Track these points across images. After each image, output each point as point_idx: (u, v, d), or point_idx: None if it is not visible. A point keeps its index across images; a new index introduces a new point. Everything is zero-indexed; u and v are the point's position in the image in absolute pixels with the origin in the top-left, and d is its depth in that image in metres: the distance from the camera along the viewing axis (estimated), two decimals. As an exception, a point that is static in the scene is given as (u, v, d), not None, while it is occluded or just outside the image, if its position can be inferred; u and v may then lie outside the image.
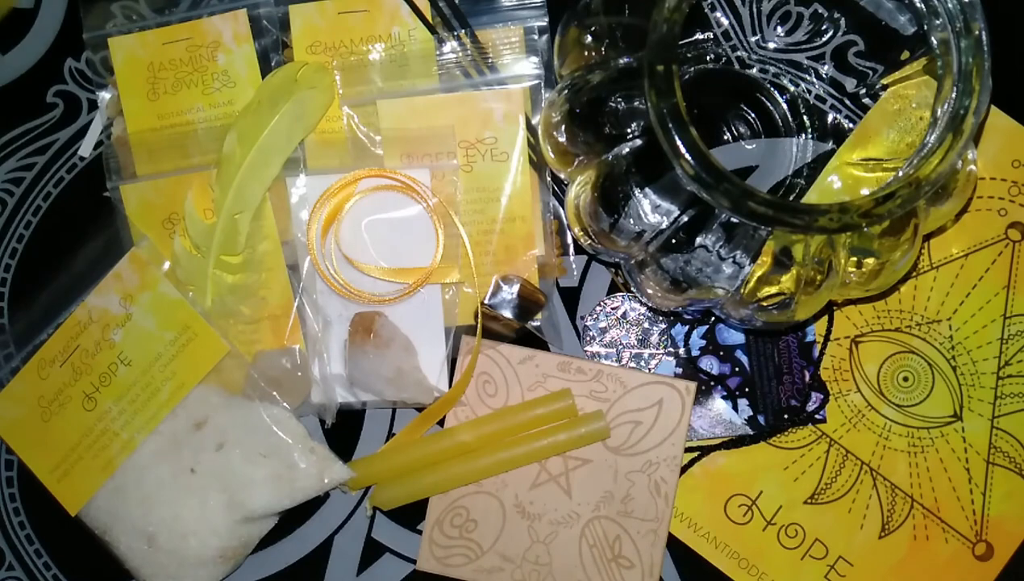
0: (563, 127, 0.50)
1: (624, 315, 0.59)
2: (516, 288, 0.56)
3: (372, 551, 0.60)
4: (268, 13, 0.59)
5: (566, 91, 0.50)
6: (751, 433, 0.58)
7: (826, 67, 0.54)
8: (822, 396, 0.58)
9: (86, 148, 0.62)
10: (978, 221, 0.58)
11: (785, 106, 0.55)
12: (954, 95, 0.43)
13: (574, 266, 0.60)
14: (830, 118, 0.54)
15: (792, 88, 0.55)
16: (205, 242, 0.57)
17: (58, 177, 0.62)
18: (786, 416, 0.58)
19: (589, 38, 0.50)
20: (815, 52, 0.54)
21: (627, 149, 0.47)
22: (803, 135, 0.55)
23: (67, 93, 0.62)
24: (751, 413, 0.58)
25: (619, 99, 0.48)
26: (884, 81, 0.52)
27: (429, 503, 0.57)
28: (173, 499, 0.56)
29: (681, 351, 0.59)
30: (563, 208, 0.58)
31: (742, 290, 0.48)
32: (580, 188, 0.50)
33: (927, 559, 0.58)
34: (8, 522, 0.61)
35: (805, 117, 0.55)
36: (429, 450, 0.57)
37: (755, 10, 0.54)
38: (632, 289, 0.54)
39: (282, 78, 0.57)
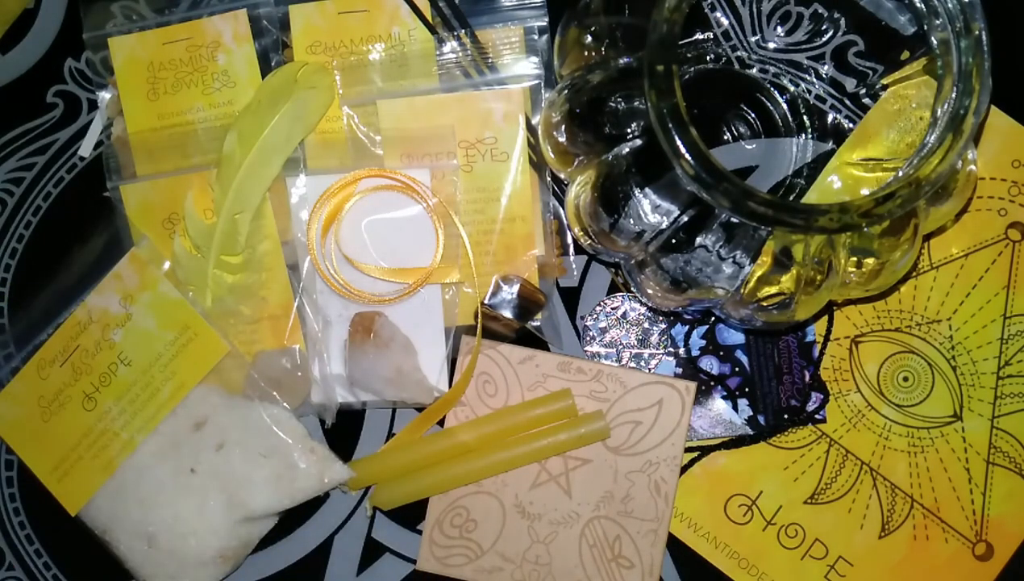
0: (563, 127, 0.50)
1: (624, 315, 0.59)
2: (516, 288, 0.56)
3: (372, 551, 0.60)
4: (268, 13, 0.59)
5: (566, 91, 0.50)
6: (751, 433, 0.58)
7: (826, 67, 0.54)
8: (822, 396, 0.58)
9: (86, 148, 0.62)
10: (978, 221, 0.58)
11: (785, 106, 0.55)
12: (954, 95, 0.43)
13: (574, 266, 0.60)
14: (830, 118, 0.54)
15: (792, 88, 0.55)
16: (205, 242, 0.57)
17: (58, 177, 0.62)
18: (786, 416, 0.58)
19: (589, 38, 0.50)
20: (815, 52, 0.54)
21: (627, 149, 0.47)
22: (803, 135, 0.55)
23: (67, 93, 0.62)
24: (751, 413, 0.58)
25: (619, 99, 0.48)
26: (884, 81, 0.52)
27: (429, 503, 0.57)
28: (173, 499, 0.56)
29: (681, 351, 0.59)
30: (563, 208, 0.58)
31: (742, 290, 0.48)
32: (580, 188, 0.50)
33: (927, 559, 0.58)
34: (8, 522, 0.61)
35: (805, 117, 0.55)
36: (429, 450, 0.57)
37: (755, 10, 0.54)
38: (632, 289, 0.54)
39: (282, 78, 0.57)
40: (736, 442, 0.58)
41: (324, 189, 0.56)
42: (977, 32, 0.43)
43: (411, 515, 0.59)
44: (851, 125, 0.53)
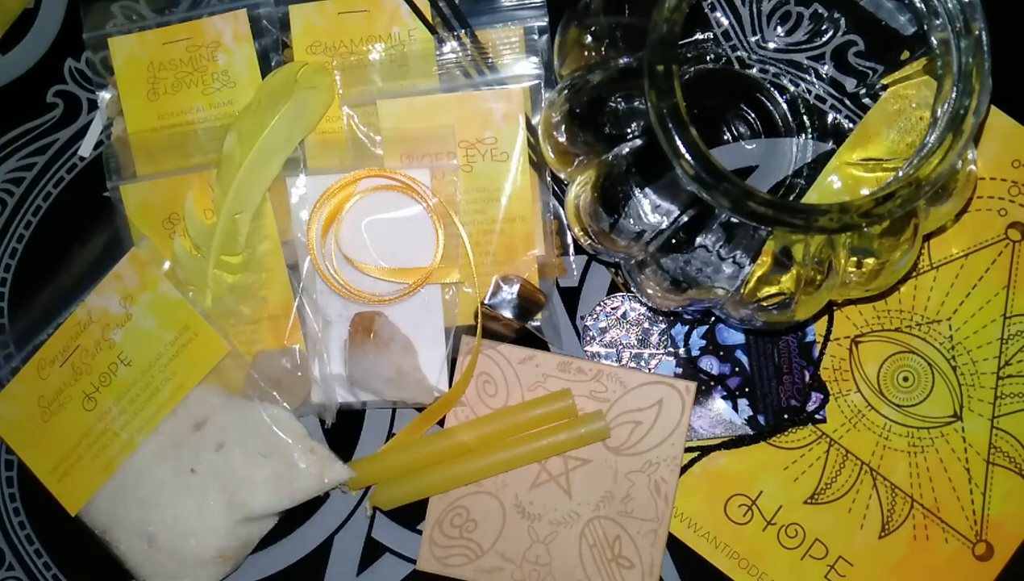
0: (563, 127, 0.50)
1: (624, 315, 0.59)
2: (516, 288, 0.56)
3: (372, 551, 0.60)
4: (268, 13, 0.59)
5: (566, 91, 0.50)
6: (751, 433, 0.58)
7: (826, 67, 0.54)
8: (822, 396, 0.58)
9: (86, 148, 0.62)
10: (978, 221, 0.58)
11: (785, 106, 0.55)
12: (954, 95, 0.43)
13: (574, 266, 0.60)
14: (830, 118, 0.54)
15: (792, 88, 0.55)
16: (205, 242, 0.57)
17: (58, 177, 0.62)
18: (786, 416, 0.58)
19: (589, 38, 0.50)
20: (815, 52, 0.54)
21: (627, 149, 0.47)
22: (803, 135, 0.55)
23: (67, 93, 0.62)
24: (751, 413, 0.58)
25: (619, 99, 0.48)
26: (884, 81, 0.52)
27: (429, 503, 0.57)
28: (173, 499, 0.56)
29: (681, 351, 0.59)
30: (563, 208, 0.58)
31: (742, 290, 0.48)
32: (580, 188, 0.50)
33: (927, 559, 0.58)
34: (8, 522, 0.61)
35: (805, 117, 0.55)
36: (429, 450, 0.57)
37: (755, 10, 0.54)
38: (632, 289, 0.54)
39: (282, 78, 0.57)
40: (736, 442, 0.58)
41: (324, 189, 0.56)
42: (977, 32, 0.43)
43: (411, 515, 0.59)
44: (851, 125, 0.53)
